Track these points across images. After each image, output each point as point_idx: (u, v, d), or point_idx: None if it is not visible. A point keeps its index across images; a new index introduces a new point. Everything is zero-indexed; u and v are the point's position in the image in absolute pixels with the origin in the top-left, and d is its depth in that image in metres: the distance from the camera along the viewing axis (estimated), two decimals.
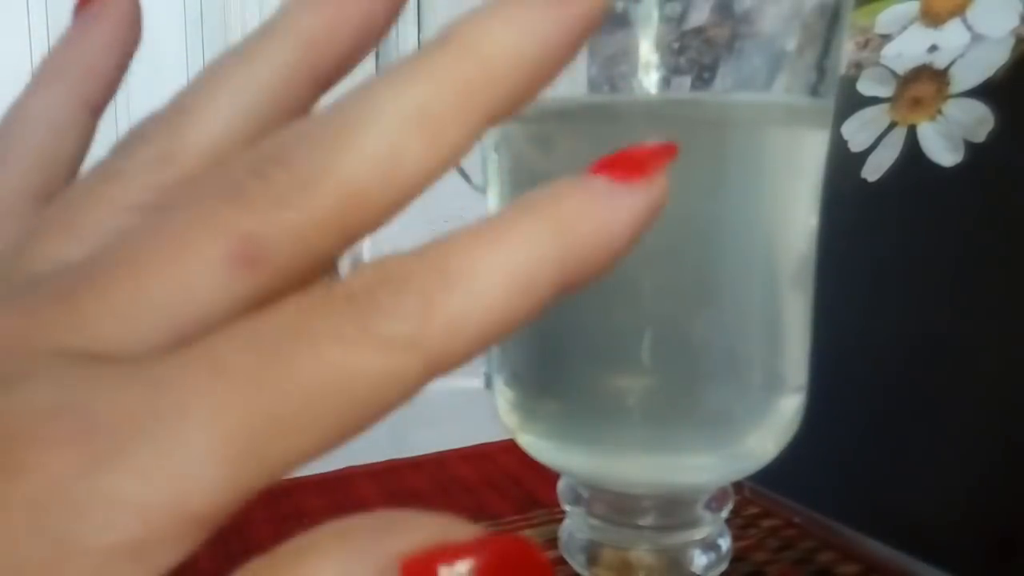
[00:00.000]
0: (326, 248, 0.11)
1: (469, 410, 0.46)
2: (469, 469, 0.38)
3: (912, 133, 0.28)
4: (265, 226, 0.10)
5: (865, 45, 0.30)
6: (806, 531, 0.30)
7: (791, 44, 0.18)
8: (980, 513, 0.26)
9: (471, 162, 0.21)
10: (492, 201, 0.21)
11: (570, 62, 0.12)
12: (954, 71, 0.26)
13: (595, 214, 0.12)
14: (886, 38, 0.29)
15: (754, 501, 0.33)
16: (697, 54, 0.17)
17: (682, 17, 0.16)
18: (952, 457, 0.26)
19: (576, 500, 0.22)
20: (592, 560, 0.21)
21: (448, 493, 0.35)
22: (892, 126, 0.28)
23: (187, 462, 0.09)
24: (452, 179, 0.21)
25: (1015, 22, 0.25)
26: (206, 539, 0.11)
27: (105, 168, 0.13)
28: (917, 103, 0.28)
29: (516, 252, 0.11)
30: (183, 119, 0.12)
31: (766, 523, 0.31)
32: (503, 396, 0.21)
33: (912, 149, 0.28)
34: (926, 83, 0.27)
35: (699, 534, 0.21)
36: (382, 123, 0.11)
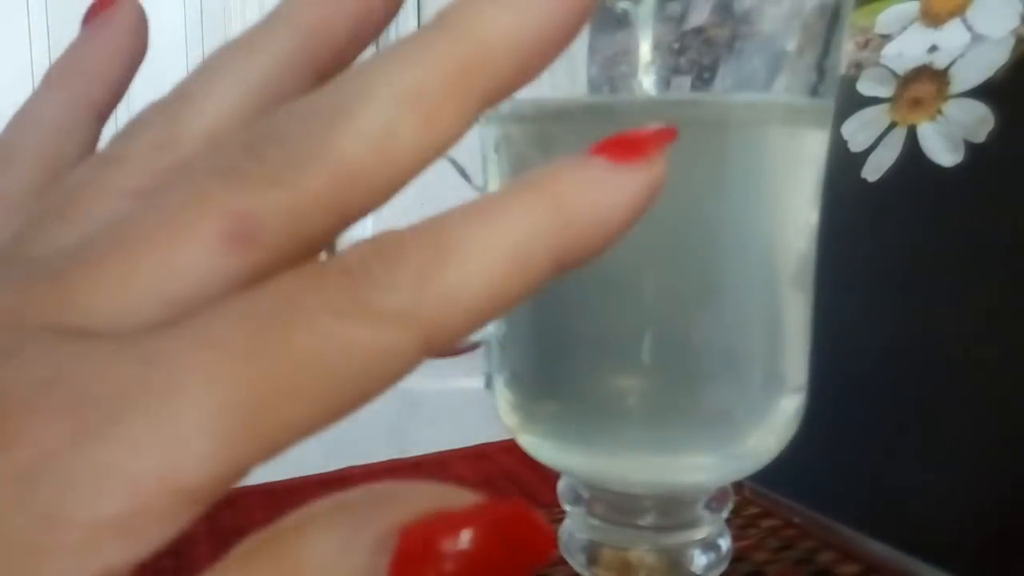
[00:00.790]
0: (321, 226, 0.11)
1: (469, 410, 0.46)
2: (469, 469, 0.37)
3: (912, 133, 0.28)
4: (258, 204, 0.10)
5: (865, 45, 0.30)
6: (806, 531, 0.30)
7: (791, 44, 0.18)
8: (980, 513, 0.26)
9: (471, 162, 0.21)
10: None
11: (566, 47, 0.12)
12: (954, 71, 0.26)
13: (594, 192, 0.11)
14: (886, 38, 0.29)
15: (754, 501, 0.33)
16: (697, 54, 0.17)
17: (682, 17, 0.17)
18: (952, 457, 0.26)
19: (576, 500, 0.22)
20: (592, 560, 0.21)
21: None
22: (892, 126, 0.28)
23: (179, 435, 0.09)
24: (452, 179, 0.21)
25: (1015, 22, 0.25)
26: (198, 516, 0.11)
27: (105, 154, 0.13)
28: (917, 103, 0.28)
29: (514, 227, 0.11)
30: (183, 106, 0.12)
31: (766, 523, 0.31)
32: (503, 396, 0.21)
33: (912, 149, 0.28)
34: (926, 83, 0.27)
35: (699, 534, 0.21)
36: (377, 103, 0.11)
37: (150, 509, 0.10)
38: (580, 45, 0.18)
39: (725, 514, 0.21)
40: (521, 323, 0.20)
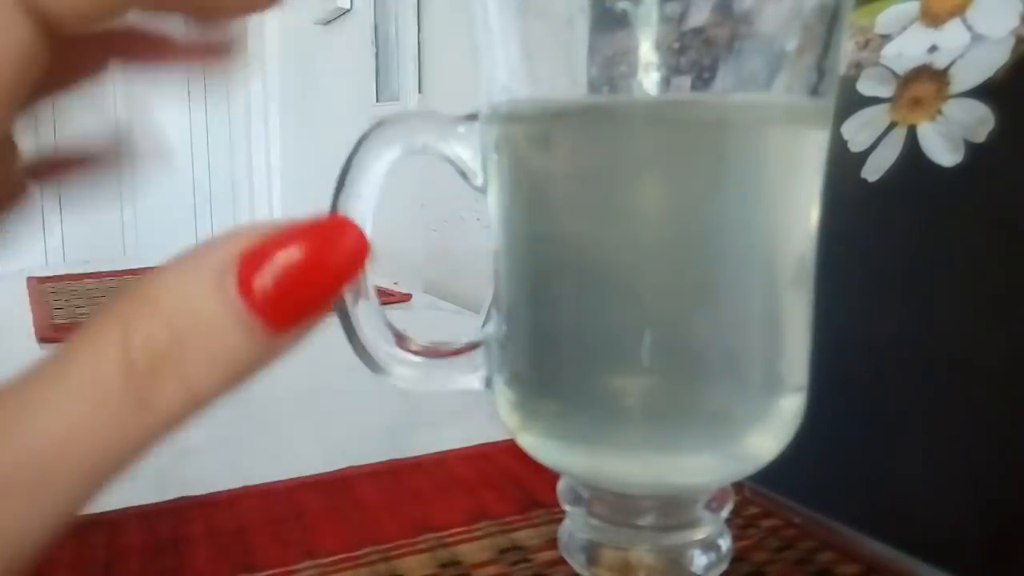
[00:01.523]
0: None
1: (469, 410, 0.46)
2: (469, 469, 0.37)
3: (912, 133, 0.28)
4: None
5: (865, 45, 0.30)
6: (806, 531, 0.30)
7: (791, 44, 0.18)
8: (980, 513, 0.26)
9: (471, 162, 0.21)
10: (492, 201, 0.21)
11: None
12: (954, 71, 0.26)
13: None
14: (886, 38, 0.29)
15: (754, 501, 0.33)
16: (697, 54, 0.17)
17: (682, 17, 0.17)
18: (951, 457, 0.26)
19: (576, 500, 0.22)
20: (592, 560, 0.21)
21: (448, 493, 0.35)
22: (892, 126, 0.28)
23: None
24: (452, 179, 0.21)
25: (1015, 22, 0.25)
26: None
27: None
28: (917, 103, 0.28)
29: None
30: None
31: (766, 523, 0.31)
32: (503, 396, 0.21)
33: (912, 149, 0.28)
34: (926, 83, 0.27)
35: (699, 534, 0.21)
36: None
37: None
38: (580, 45, 0.18)
39: (725, 514, 0.21)
40: (521, 323, 0.20)
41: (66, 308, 0.81)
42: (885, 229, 0.29)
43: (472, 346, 0.22)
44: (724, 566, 0.21)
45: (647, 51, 0.17)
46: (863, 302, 0.29)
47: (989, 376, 0.25)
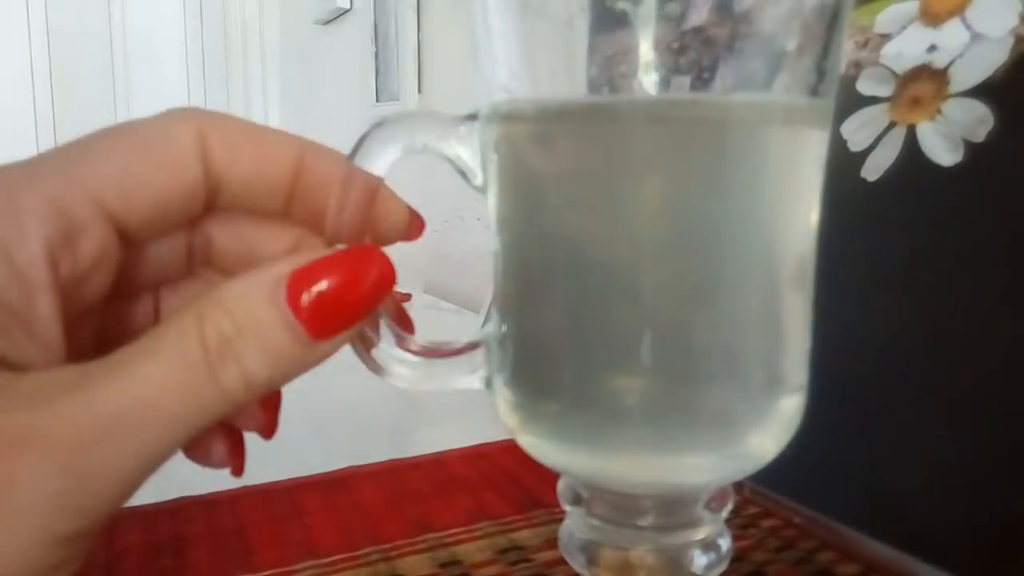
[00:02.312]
0: None
1: (469, 410, 0.46)
2: (469, 469, 0.38)
3: (911, 133, 0.28)
4: None
5: (864, 45, 0.30)
6: (806, 531, 0.30)
7: (791, 44, 0.18)
8: (980, 513, 0.26)
9: (471, 162, 0.21)
10: (492, 201, 0.21)
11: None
12: (954, 71, 0.26)
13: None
14: (885, 38, 0.29)
15: (754, 501, 0.33)
16: (697, 54, 0.17)
17: (682, 17, 0.17)
18: (952, 457, 0.26)
19: (576, 500, 0.22)
20: (592, 560, 0.21)
21: (448, 493, 0.35)
22: (891, 126, 0.28)
23: None
24: (452, 179, 0.21)
25: (1015, 22, 0.25)
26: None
27: None
28: (916, 103, 0.28)
29: None
30: None
31: (766, 523, 0.31)
32: (503, 396, 0.21)
33: (911, 149, 0.28)
34: (925, 83, 0.27)
35: (699, 534, 0.21)
36: None
37: None
38: (580, 45, 0.18)
39: (725, 514, 0.21)
40: (521, 323, 0.20)
41: None
42: (885, 229, 0.29)
43: (472, 346, 0.22)
44: (724, 566, 0.21)
45: (647, 51, 0.17)
46: (863, 302, 0.29)
47: (989, 376, 0.25)
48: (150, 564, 0.29)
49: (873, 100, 0.29)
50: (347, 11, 1.48)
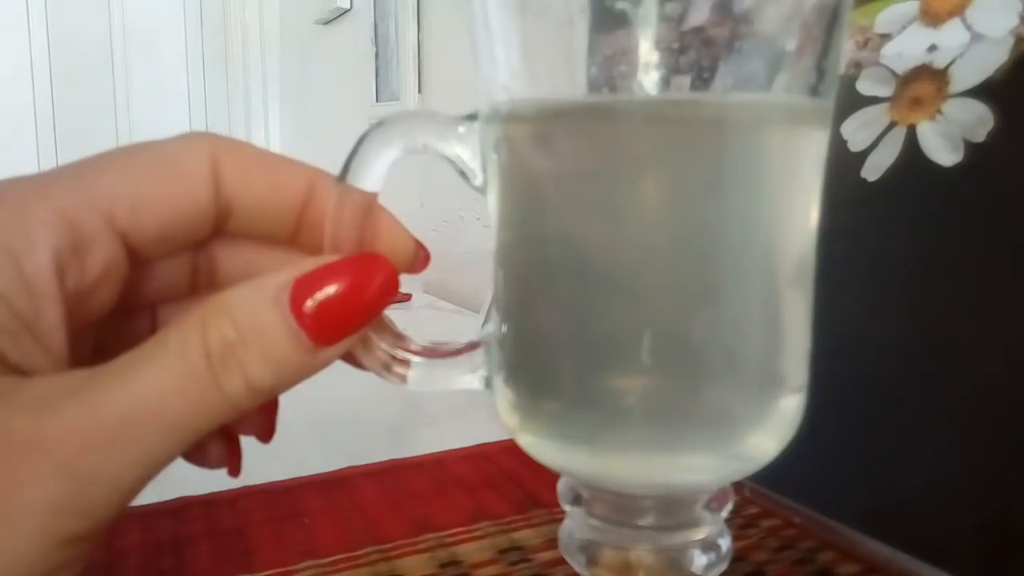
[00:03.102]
0: None
1: (469, 410, 0.46)
2: (469, 469, 0.38)
3: (912, 133, 0.28)
4: None
5: (865, 45, 0.30)
6: (806, 531, 0.30)
7: (791, 44, 0.18)
8: (980, 513, 0.26)
9: (471, 162, 0.21)
10: (492, 201, 0.21)
11: None
12: (954, 71, 0.26)
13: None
14: (886, 37, 0.29)
15: (754, 501, 0.33)
16: (697, 54, 0.17)
17: (682, 17, 0.17)
18: (952, 457, 0.26)
19: (576, 500, 0.22)
20: (592, 560, 0.21)
21: (448, 493, 0.35)
22: (892, 126, 0.28)
23: None
24: (452, 179, 0.21)
25: (1015, 22, 0.25)
26: None
27: None
28: (917, 103, 0.28)
29: None
30: None
31: (766, 523, 0.31)
32: (503, 396, 0.21)
33: (912, 149, 0.28)
34: (926, 83, 0.27)
35: (699, 534, 0.21)
36: None
37: None
38: (580, 45, 0.18)
39: (725, 514, 0.21)
40: (521, 323, 0.20)
41: None
42: (885, 229, 0.29)
43: (472, 346, 0.22)
44: (724, 566, 0.21)
45: (647, 51, 0.17)
46: (863, 302, 0.29)
47: (989, 375, 0.25)
48: (150, 564, 0.29)
49: (873, 100, 0.29)
50: (347, 11, 1.48)
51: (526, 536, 0.31)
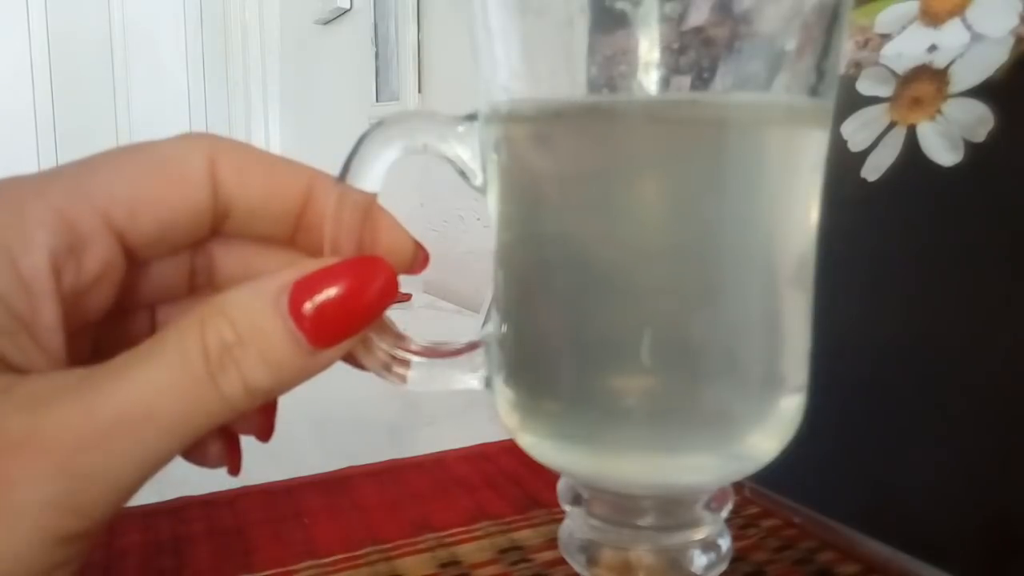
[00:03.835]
0: None
1: (469, 410, 0.46)
2: (469, 469, 0.38)
3: (912, 133, 0.28)
4: None
5: (865, 45, 0.30)
6: (806, 531, 0.30)
7: (791, 44, 0.18)
8: (980, 513, 0.26)
9: (471, 162, 0.21)
10: (492, 201, 0.21)
11: None
12: (954, 71, 0.26)
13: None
14: (886, 37, 0.29)
15: (754, 501, 0.33)
16: (697, 54, 0.17)
17: (681, 17, 0.17)
18: (952, 457, 0.26)
19: (576, 500, 0.22)
20: (592, 560, 0.21)
21: (448, 493, 0.35)
22: (892, 126, 0.28)
23: None
24: (452, 179, 0.21)
25: (1015, 22, 0.25)
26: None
27: None
28: (917, 103, 0.28)
29: None
30: None
31: (766, 523, 0.31)
32: (503, 396, 0.21)
33: (912, 149, 0.28)
34: (926, 83, 0.27)
35: (699, 534, 0.21)
36: None
37: None
38: (580, 45, 0.18)
39: (725, 514, 0.21)
40: (521, 323, 0.20)
41: None
42: (885, 229, 0.29)
43: (472, 346, 0.22)
44: (724, 566, 0.21)
45: (647, 51, 0.17)
46: (863, 302, 0.29)
47: (989, 376, 0.25)
48: (150, 564, 0.29)
49: (873, 100, 0.29)
50: (347, 11, 1.48)
51: (526, 536, 0.31)
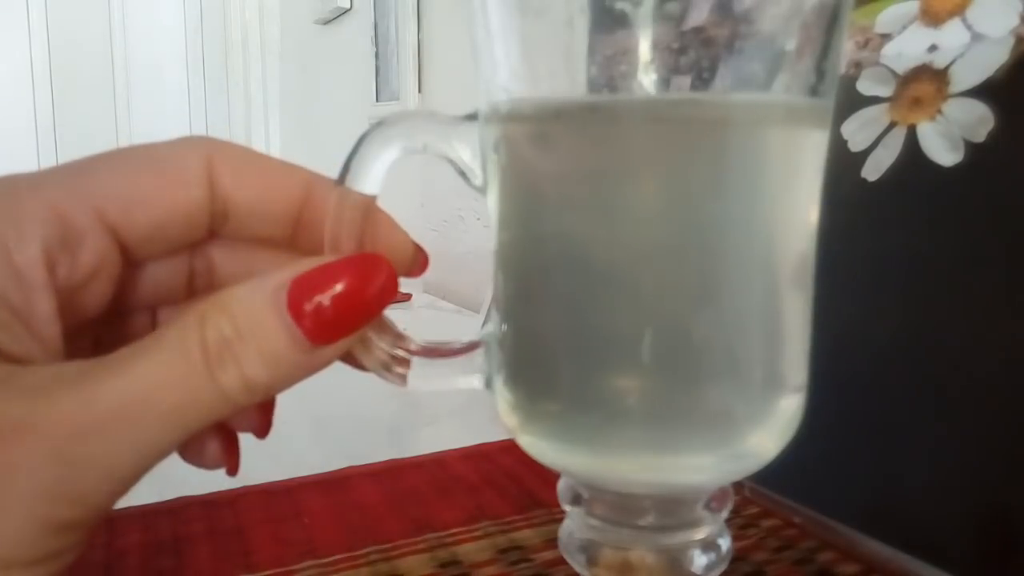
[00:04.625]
0: None
1: (469, 410, 0.46)
2: (469, 469, 0.38)
3: (912, 133, 0.28)
4: None
5: (865, 45, 0.30)
6: (806, 531, 0.30)
7: (791, 44, 0.18)
8: (980, 513, 0.26)
9: (471, 162, 0.21)
10: (492, 201, 0.21)
11: None
12: (954, 71, 0.26)
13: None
14: (886, 37, 0.29)
15: (754, 501, 0.33)
16: (697, 54, 0.17)
17: (682, 17, 0.17)
18: (952, 457, 0.26)
19: (576, 500, 0.22)
20: (592, 560, 0.21)
21: (448, 493, 0.35)
22: (892, 126, 0.28)
23: None
24: (452, 179, 0.21)
25: (1015, 22, 0.25)
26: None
27: None
28: (917, 103, 0.28)
29: None
30: None
31: (766, 523, 0.31)
32: (503, 396, 0.21)
33: (912, 149, 0.28)
34: (926, 83, 0.27)
35: (699, 534, 0.21)
36: None
37: None
38: (580, 45, 0.18)
39: (725, 514, 0.21)
40: (521, 323, 0.20)
41: None
42: (885, 229, 0.29)
43: (472, 346, 0.22)
44: (724, 566, 0.21)
45: (647, 51, 0.17)
46: (863, 302, 0.29)
47: (989, 375, 0.25)
48: (150, 564, 0.29)
49: (873, 100, 0.29)
50: (347, 11, 1.48)
51: (526, 536, 0.31)
